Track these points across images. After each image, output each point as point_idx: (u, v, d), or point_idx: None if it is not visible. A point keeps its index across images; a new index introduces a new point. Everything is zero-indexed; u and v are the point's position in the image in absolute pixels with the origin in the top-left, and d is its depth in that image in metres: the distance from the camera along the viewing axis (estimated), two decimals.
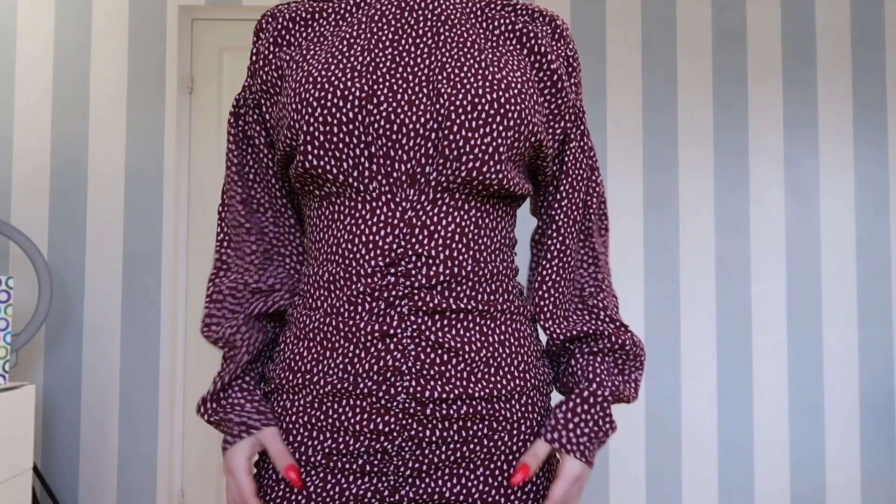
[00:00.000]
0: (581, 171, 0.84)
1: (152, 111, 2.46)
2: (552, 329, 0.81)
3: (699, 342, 2.45)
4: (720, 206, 2.49)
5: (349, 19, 0.80)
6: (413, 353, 0.72)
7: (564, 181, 0.83)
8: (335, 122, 0.71)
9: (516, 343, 0.77)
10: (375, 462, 0.72)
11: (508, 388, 0.75)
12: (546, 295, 0.81)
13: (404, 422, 0.72)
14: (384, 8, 0.79)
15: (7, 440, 1.96)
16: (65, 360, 2.42)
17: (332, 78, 0.73)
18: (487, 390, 0.74)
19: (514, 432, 0.75)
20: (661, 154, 2.49)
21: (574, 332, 0.80)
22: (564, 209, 0.83)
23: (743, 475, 2.44)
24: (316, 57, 0.76)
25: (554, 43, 0.83)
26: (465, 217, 0.74)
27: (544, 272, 0.82)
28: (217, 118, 2.53)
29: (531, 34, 0.80)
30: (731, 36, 2.53)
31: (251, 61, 0.83)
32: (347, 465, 0.73)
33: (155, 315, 2.43)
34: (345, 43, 0.76)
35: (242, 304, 0.81)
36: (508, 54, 0.78)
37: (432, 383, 0.72)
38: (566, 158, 0.83)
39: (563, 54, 0.82)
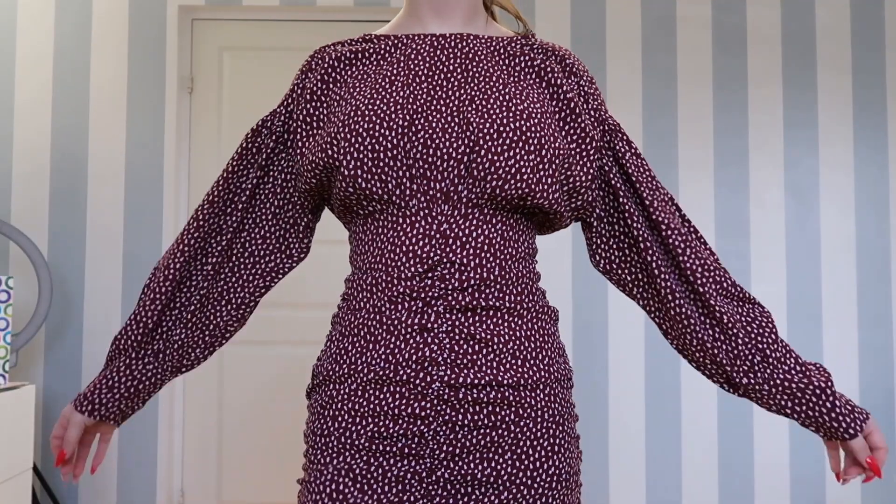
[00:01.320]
0: (648, 170, 0.93)
1: (152, 111, 2.46)
2: (712, 297, 0.88)
3: None
4: (720, 206, 2.49)
5: (388, 59, 0.91)
6: (448, 345, 0.81)
7: (643, 186, 0.91)
8: (381, 149, 0.82)
9: (541, 339, 0.86)
10: (413, 445, 0.80)
11: (534, 378, 0.83)
12: (706, 275, 0.89)
13: (439, 407, 0.80)
14: (419, 48, 0.90)
15: (7, 440, 1.96)
16: (65, 360, 2.42)
17: (378, 111, 0.83)
18: (515, 378, 0.82)
19: (539, 419, 0.82)
20: (661, 154, 2.49)
21: (746, 296, 0.91)
22: (661, 206, 0.91)
23: (743, 475, 2.44)
24: (362, 93, 0.87)
25: (567, 78, 0.92)
26: (492, 229, 0.84)
27: (689, 264, 0.89)
28: (217, 118, 2.53)
29: (548, 69, 0.90)
30: (731, 36, 2.53)
31: (294, 93, 0.92)
32: (388, 448, 0.80)
33: None
34: (387, 80, 0.87)
35: (154, 292, 0.90)
36: (529, 87, 0.88)
37: (465, 371, 0.80)
38: (629, 169, 0.91)
39: (574, 86, 0.92)
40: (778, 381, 0.87)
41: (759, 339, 0.88)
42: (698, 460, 2.43)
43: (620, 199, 0.91)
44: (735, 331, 0.87)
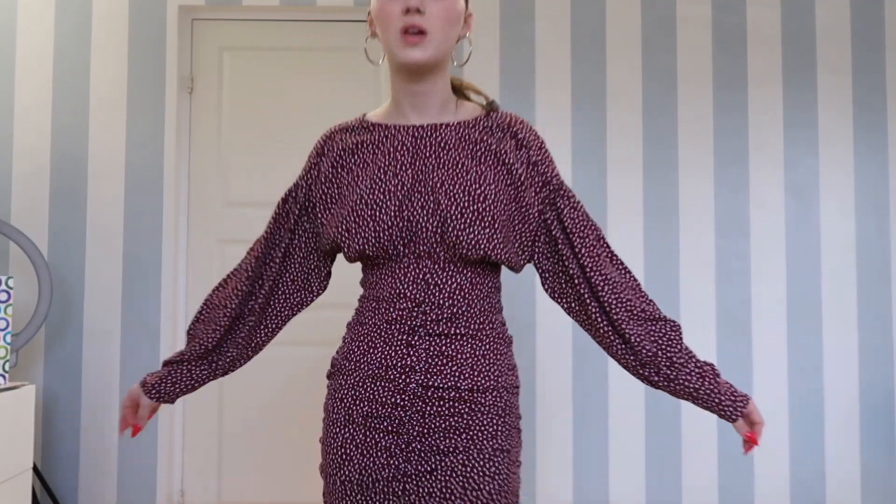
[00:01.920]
0: (581, 219, 1.20)
1: (152, 111, 2.46)
2: (635, 321, 1.18)
3: (699, 342, 2.45)
4: (720, 206, 2.49)
5: (382, 148, 1.20)
6: (424, 358, 1.13)
7: (575, 235, 1.19)
8: (381, 228, 1.14)
9: (493, 357, 1.17)
10: (395, 424, 1.13)
11: (484, 385, 1.15)
12: (619, 306, 1.18)
13: (413, 400, 1.13)
14: (404, 139, 1.19)
15: (7, 440, 1.96)
16: (65, 360, 2.42)
17: (378, 200, 1.15)
18: (469, 384, 1.14)
19: (486, 413, 1.14)
20: (661, 155, 2.48)
21: (655, 315, 1.19)
22: (588, 251, 1.18)
23: (743, 475, 2.44)
24: (364, 182, 1.17)
25: (517, 152, 1.19)
26: (462, 277, 1.16)
27: (606, 298, 1.18)
28: (217, 118, 2.53)
29: (501, 150, 1.18)
30: (731, 36, 2.53)
31: (311, 173, 1.24)
32: (377, 425, 1.14)
33: (155, 315, 2.43)
34: (381, 169, 1.17)
35: (215, 323, 1.25)
36: (487, 169, 1.16)
37: (435, 377, 1.13)
38: (565, 222, 1.19)
39: (524, 159, 1.19)
40: (680, 382, 1.16)
41: (667, 349, 1.16)
42: (698, 460, 2.43)
43: (559, 247, 1.19)
44: (640, 347, 1.16)
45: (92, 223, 2.44)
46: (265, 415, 2.50)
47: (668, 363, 1.16)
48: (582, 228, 1.19)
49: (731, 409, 1.18)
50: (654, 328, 1.17)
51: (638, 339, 1.16)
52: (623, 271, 1.20)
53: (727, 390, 1.17)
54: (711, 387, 1.16)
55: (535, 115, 2.47)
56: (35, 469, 2.25)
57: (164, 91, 2.46)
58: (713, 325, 2.46)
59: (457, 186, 1.14)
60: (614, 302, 1.17)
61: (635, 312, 1.17)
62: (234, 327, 1.26)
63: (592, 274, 1.18)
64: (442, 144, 1.18)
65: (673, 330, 1.17)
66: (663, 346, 1.16)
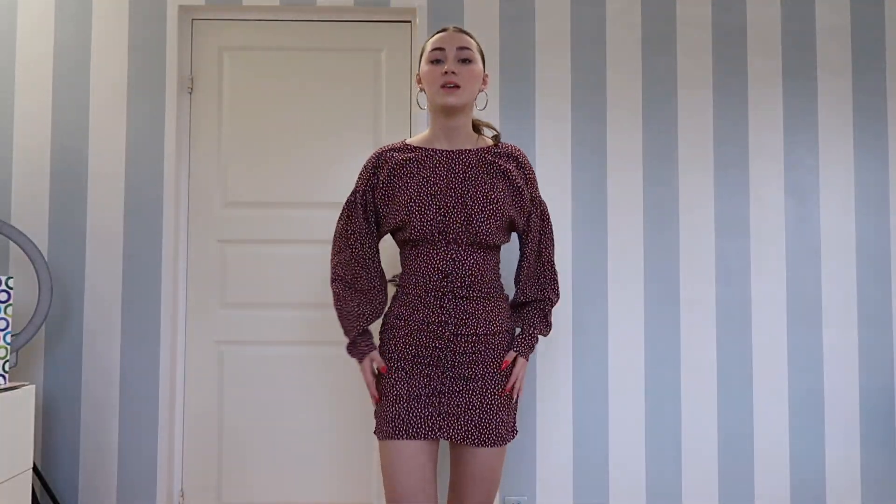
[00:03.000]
0: (535, 225, 1.86)
1: (152, 111, 2.46)
2: (525, 296, 1.87)
3: (699, 342, 2.45)
4: (720, 206, 2.49)
5: (424, 165, 1.76)
6: (453, 314, 1.71)
7: (530, 231, 1.86)
8: (426, 220, 1.71)
9: (499, 311, 1.78)
10: (435, 360, 1.71)
11: (494, 329, 1.75)
12: (525, 281, 1.88)
13: (448, 343, 1.71)
14: (440, 159, 1.76)
15: (7, 440, 1.96)
16: (65, 360, 2.42)
17: (423, 200, 1.71)
18: (485, 330, 1.73)
19: (497, 349, 1.76)
20: (660, 154, 2.48)
21: (532, 298, 1.87)
22: (530, 242, 1.87)
23: (743, 475, 2.44)
24: (413, 187, 1.73)
25: (518, 171, 1.80)
26: (478, 256, 1.74)
27: (522, 272, 1.88)
28: (217, 118, 2.53)
29: (507, 170, 1.77)
30: (731, 36, 2.53)
31: (371, 177, 1.80)
32: (422, 361, 1.71)
33: (155, 315, 2.43)
34: (425, 180, 1.73)
35: (353, 291, 1.82)
36: (498, 183, 1.75)
37: (461, 327, 1.71)
38: (531, 223, 1.85)
39: (523, 175, 1.81)
40: (519, 321, 1.87)
41: (522, 312, 1.88)
42: (698, 460, 2.43)
43: (521, 237, 1.88)
44: (516, 298, 1.89)
45: (92, 223, 2.44)
46: (265, 415, 2.50)
47: (518, 315, 1.88)
48: (535, 233, 1.85)
49: (512, 349, 1.80)
50: (526, 307, 1.88)
51: (517, 296, 1.89)
52: (541, 266, 1.87)
53: (524, 345, 1.80)
54: (519, 340, 1.81)
55: (534, 115, 2.47)
56: (35, 469, 2.25)
57: (164, 91, 2.46)
58: (713, 325, 2.46)
59: (479, 194, 1.71)
60: (520, 280, 1.88)
61: (526, 292, 1.87)
62: (359, 296, 1.82)
63: (523, 263, 1.88)
64: (467, 164, 1.74)
65: (534, 308, 1.86)
66: (524, 309, 1.87)
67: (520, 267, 1.87)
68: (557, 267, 2.44)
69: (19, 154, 2.45)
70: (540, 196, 1.85)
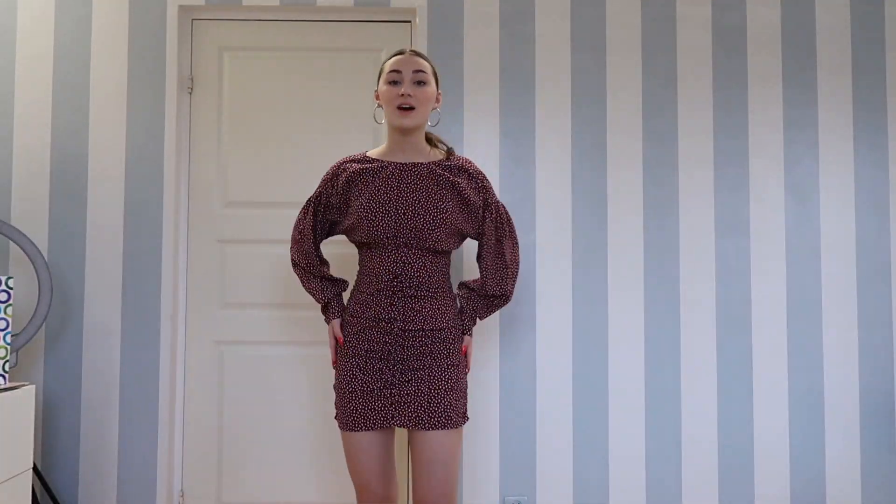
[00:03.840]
0: (489, 228, 1.97)
1: (152, 111, 2.46)
2: (485, 288, 1.99)
3: (699, 342, 2.45)
4: (720, 205, 2.49)
5: (379, 175, 1.90)
6: (401, 311, 1.85)
7: (484, 234, 1.98)
8: (377, 225, 1.85)
9: (445, 309, 1.90)
10: (384, 355, 1.85)
11: (440, 326, 1.88)
12: (487, 276, 1.99)
13: (397, 338, 1.85)
14: (393, 170, 1.90)
15: (7, 440, 1.96)
16: (65, 360, 2.42)
17: (377, 208, 1.86)
18: (431, 325, 1.86)
19: (442, 343, 1.88)
20: (660, 154, 2.48)
21: (492, 293, 1.99)
22: (486, 244, 1.99)
23: (743, 475, 2.44)
24: (367, 195, 1.88)
25: (469, 182, 1.94)
26: (426, 259, 1.88)
27: (484, 268, 1.99)
28: (216, 118, 2.53)
29: (458, 184, 1.91)
30: (731, 36, 2.53)
31: (329, 185, 1.96)
32: (373, 356, 1.85)
33: (155, 315, 2.43)
34: (379, 189, 1.88)
35: (310, 274, 2.01)
36: (446, 196, 1.89)
37: (410, 323, 1.85)
38: (485, 227, 1.97)
39: (473, 185, 1.95)
40: (466, 309, 2.00)
41: (476, 301, 2.01)
42: (698, 460, 2.43)
43: (479, 239, 2.00)
44: (477, 285, 2.01)
45: (92, 223, 2.44)
46: (265, 415, 2.50)
47: (468, 297, 2.00)
48: (491, 231, 1.97)
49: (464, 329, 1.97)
50: (487, 289, 1.99)
51: (477, 283, 2.01)
52: (499, 262, 1.98)
53: (468, 321, 1.98)
54: (466, 320, 1.98)
55: (534, 115, 2.47)
56: (35, 469, 2.25)
57: (164, 91, 2.46)
58: (713, 325, 2.46)
59: (429, 204, 1.86)
60: (483, 273, 2.00)
61: (486, 285, 1.99)
62: (315, 268, 2.00)
63: (481, 260, 2.00)
64: (418, 175, 1.89)
65: (496, 304, 2.02)
66: (476, 299, 2.00)
67: (481, 266, 2.00)
68: (558, 267, 2.45)
69: (19, 154, 2.45)
70: (497, 201, 1.98)
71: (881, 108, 2.53)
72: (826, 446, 2.46)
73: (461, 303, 1.99)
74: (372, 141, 2.52)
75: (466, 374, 1.93)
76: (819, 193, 2.51)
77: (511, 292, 2.00)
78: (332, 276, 2.01)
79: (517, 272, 2.02)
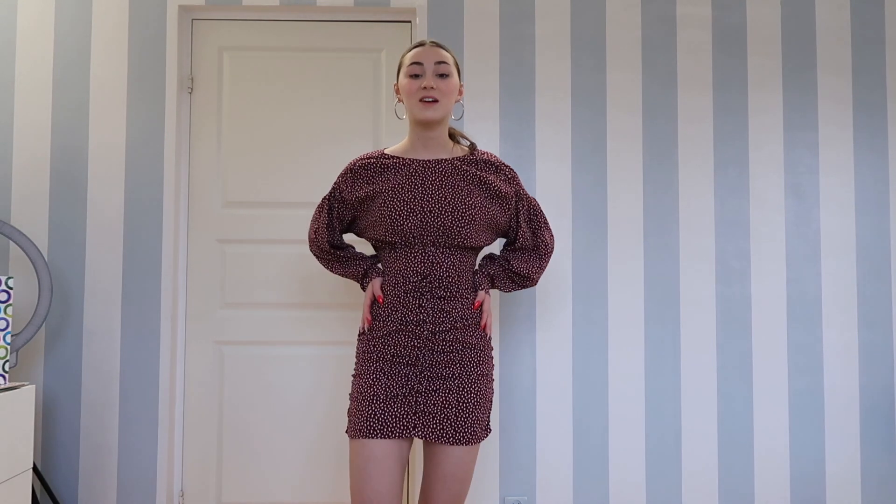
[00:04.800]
0: (524, 216, 1.92)
1: (152, 111, 2.46)
2: (511, 266, 1.93)
3: (699, 342, 2.45)
4: (720, 206, 2.49)
5: (401, 172, 1.82)
6: (431, 313, 1.76)
7: (521, 224, 1.92)
8: (401, 224, 1.77)
9: (470, 308, 1.82)
10: (413, 359, 1.74)
11: (468, 325, 1.80)
12: (518, 253, 1.94)
13: (426, 341, 1.75)
14: (415, 166, 1.82)
15: (7, 440, 1.96)
16: (65, 360, 2.42)
17: (399, 206, 1.78)
18: (461, 324, 1.78)
19: (470, 345, 1.79)
20: (661, 154, 2.49)
21: (518, 271, 1.94)
22: (522, 234, 1.93)
23: (743, 475, 2.44)
24: (386, 191, 1.80)
25: (497, 175, 1.87)
26: (453, 257, 1.80)
27: (517, 248, 1.95)
28: (217, 118, 2.53)
29: (485, 179, 1.84)
30: (731, 36, 2.53)
31: (346, 182, 1.88)
32: (401, 360, 1.75)
33: (155, 315, 2.43)
34: (401, 185, 1.80)
35: (333, 258, 1.97)
36: (474, 192, 1.81)
37: (439, 325, 1.76)
38: (520, 218, 1.92)
39: (502, 177, 1.88)
40: (498, 283, 1.96)
41: (508, 277, 1.95)
42: (698, 460, 2.43)
43: (514, 227, 1.93)
44: (510, 266, 1.93)
45: (92, 223, 2.44)
46: (265, 415, 2.50)
47: (501, 281, 1.96)
48: (526, 221, 1.92)
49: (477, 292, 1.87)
50: (515, 277, 1.95)
51: (513, 265, 1.93)
52: (533, 252, 1.93)
53: (484, 284, 1.89)
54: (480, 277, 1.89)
55: (534, 115, 2.47)
56: (35, 469, 2.25)
57: (164, 91, 2.46)
58: (713, 325, 2.46)
59: (456, 201, 1.78)
60: (516, 259, 1.94)
61: (517, 271, 1.94)
62: (337, 256, 1.96)
63: (517, 247, 1.94)
64: (442, 172, 1.81)
65: (519, 281, 1.96)
66: (508, 276, 1.95)
67: (514, 247, 1.94)
68: (558, 266, 2.45)
69: (19, 154, 2.45)
70: (526, 192, 1.92)
71: (881, 108, 2.54)
72: (826, 446, 2.46)
73: (479, 265, 1.91)
74: (372, 140, 2.52)
75: (488, 337, 1.85)
76: (819, 193, 2.51)
77: (537, 278, 1.95)
78: (361, 253, 1.95)
79: (548, 263, 1.99)
